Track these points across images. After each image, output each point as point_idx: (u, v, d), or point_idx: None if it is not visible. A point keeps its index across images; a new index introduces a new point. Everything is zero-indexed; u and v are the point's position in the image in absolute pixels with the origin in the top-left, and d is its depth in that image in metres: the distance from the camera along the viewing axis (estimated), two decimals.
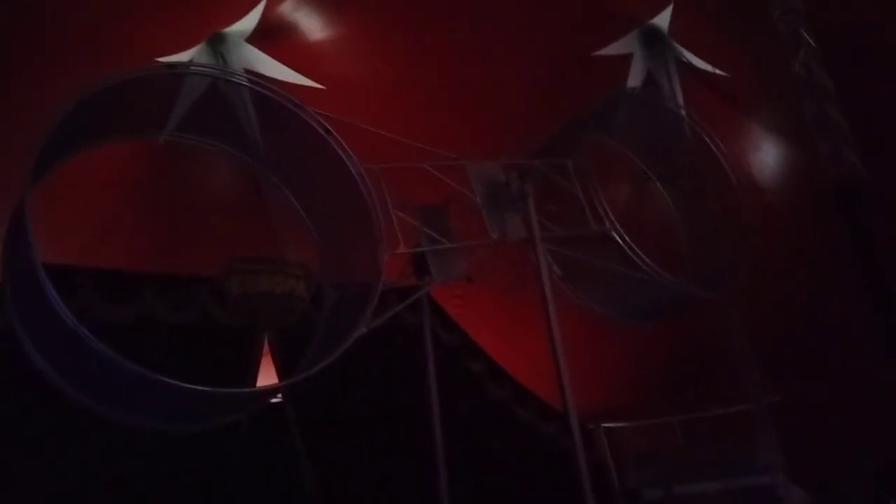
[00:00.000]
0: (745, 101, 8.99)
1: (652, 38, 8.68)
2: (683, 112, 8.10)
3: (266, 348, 8.36)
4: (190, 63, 5.89)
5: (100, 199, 7.00)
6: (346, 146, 5.85)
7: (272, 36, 6.82)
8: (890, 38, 7.98)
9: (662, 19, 8.44)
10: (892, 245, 8.06)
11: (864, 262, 8.77)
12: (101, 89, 5.09)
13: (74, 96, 4.95)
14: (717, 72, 8.70)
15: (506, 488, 9.80)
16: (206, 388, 4.98)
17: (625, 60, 8.58)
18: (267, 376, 8.29)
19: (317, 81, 6.63)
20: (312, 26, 7.09)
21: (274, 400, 8.66)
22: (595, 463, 10.16)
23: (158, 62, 5.51)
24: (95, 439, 6.73)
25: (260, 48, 6.66)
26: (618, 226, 7.07)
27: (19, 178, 4.75)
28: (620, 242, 7.08)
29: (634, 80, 8.15)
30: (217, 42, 6.29)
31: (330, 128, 5.85)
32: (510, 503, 9.69)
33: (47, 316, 4.76)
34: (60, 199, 6.00)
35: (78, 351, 4.79)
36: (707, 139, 7.81)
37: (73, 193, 6.57)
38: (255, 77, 5.92)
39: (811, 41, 7.26)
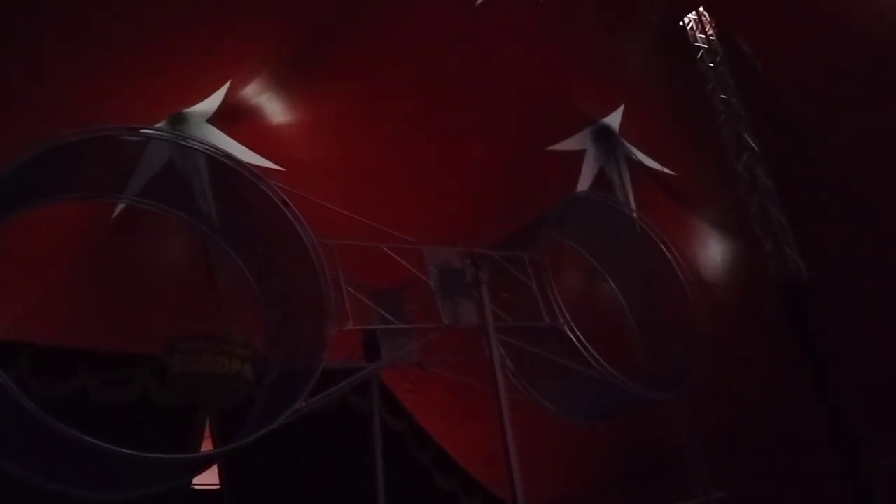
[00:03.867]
0: (691, 198, 9.31)
1: (603, 136, 9.04)
2: (635, 215, 8.32)
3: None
4: (150, 126, 5.89)
5: (45, 267, 6.82)
6: (301, 219, 5.85)
7: (234, 118, 6.89)
8: (832, 142, 8.39)
9: (614, 119, 8.81)
10: (833, 338, 8.32)
11: (806, 358, 8.99)
12: (61, 144, 5.04)
13: (31, 149, 4.88)
14: (665, 170, 9.03)
15: None
16: (143, 454, 4.88)
17: (578, 155, 8.88)
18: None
19: (277, 164, 6.67)
20: (274, 110, 7.19)
21: (213, 486, 8.34)
22: None
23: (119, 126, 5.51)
24: None
25: (221, 129, 6.70)
26: (571, 322, 7.10)
27: None
28: (573, 339, 7.10)
29: (587, 174, 8.42)
30: (178, 121, 6.32)
31: (287, 200, 5.87)
32: None
33: None
34: (2, 263, 5.83)
35: (13, 421, 4.59)
36: (657, 241, 8.02)
37: (17, 257, 6.40)
38: (214, 149, 5.95)
39: (754, 144, 7.63)
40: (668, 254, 7.86)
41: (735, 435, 10.02)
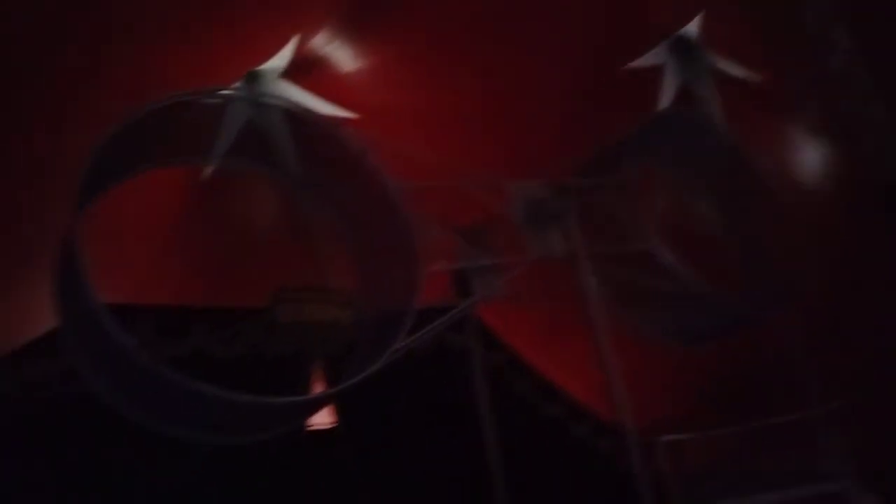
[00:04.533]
0: (782, 104, 8.82)
1: (683, 48, 8.60)
2: (722, 127, 7.98)
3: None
4: (231, 87, 6.13)
5: (153, 232, 7.24)
6: (381, 165, 5.95)
7: (306, 70, 6.98)
8: None
9: (692, 28, 8.35)
10: None
11: None
12: (148, 112, 5.30)
13: (120, 121, 5.13)
14: (752, 77, 8.56)
15: None
16: (260, 399, 5.24)
17: (658, 72, 8.51)
18: None
19: (352, 112, 6.75)
20: (345, 58, 7.23)
21: (327, 426, 8.81)
22: (654, 478, 9.97)
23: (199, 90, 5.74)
24: (159, 462, 7.00)
25: (295, 83, 6.83)
26: (662, 242, 6.96)
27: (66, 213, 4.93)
28: (667, 261, 6.97)
29: (668, 91, 8.08)
30: (253, 80, 6.50)
31: (366, 147, 5.97)
32: None
33: (106, 348, 4.98)
34: (108, 235, 6.23)
35: (137, 377, 5.02)
36: (748, 153, 7.67)
37: (127, 225, 6.81)
38: (289, 103, 6.11)
39: (845, 38, 7.11)
40: (760, 165, 7.53)
41: (844, 343, 9.70)
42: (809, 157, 8.98)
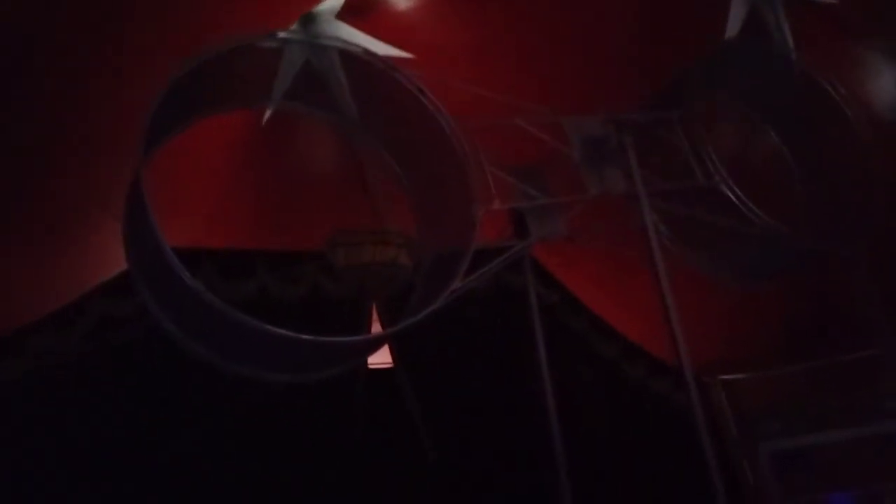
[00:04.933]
0: (857, 26, 8.36)
1: None
2: (794, 55, 7.62)
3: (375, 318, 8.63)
4: (287, 30, 6.16)
5: (214, 177, 7.38)
6: (438, 104, 5.92)
7: (361, 10, 6.91)
8: None
9: None
10: None
11: None
12: (207, 59, 5.38)
13: (181, 66, 5.21)
14: None
15: (619, 448, 9.74)
16: (321, 339, 5.41)
17: None
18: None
19: (408, 52, 6.68)
20: None
21: (386, 365, 8.99)
22: (712, 418, 9.96)
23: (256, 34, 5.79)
24: (219, 398, 7.32)
25: (350, 23, 6.77)
26: (728, 179, 6.77)
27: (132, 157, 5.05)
28: (731, 196, 6.78)
29: (736, 17, 7.68)
30: (308, 21, 6.47)
31: (422, 87, 5.94)
32: (624, 463, 9.64)
33: (172, 289, 5.17)
34: (173, 178, 6.39)
35: (203, 317, 5.20)
36: (822, 80, 7.32)
37: (189, 171, 6.94)
38: (345, 44, 6.10)
39: None
40: (834, 93, 7.20)
41: None
42: (888, 86, 8.54)
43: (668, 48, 7.57)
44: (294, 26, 6.34)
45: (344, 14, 6.64)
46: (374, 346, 7.48)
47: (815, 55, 7.41)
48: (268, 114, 6.61)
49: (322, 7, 6.47)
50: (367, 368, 8.57)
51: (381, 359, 8.89)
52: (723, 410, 11.34)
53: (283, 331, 5.18)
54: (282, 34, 6.04)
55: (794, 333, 10.41)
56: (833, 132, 7.18)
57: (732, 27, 7.62)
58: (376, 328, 8.48)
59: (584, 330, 9.99)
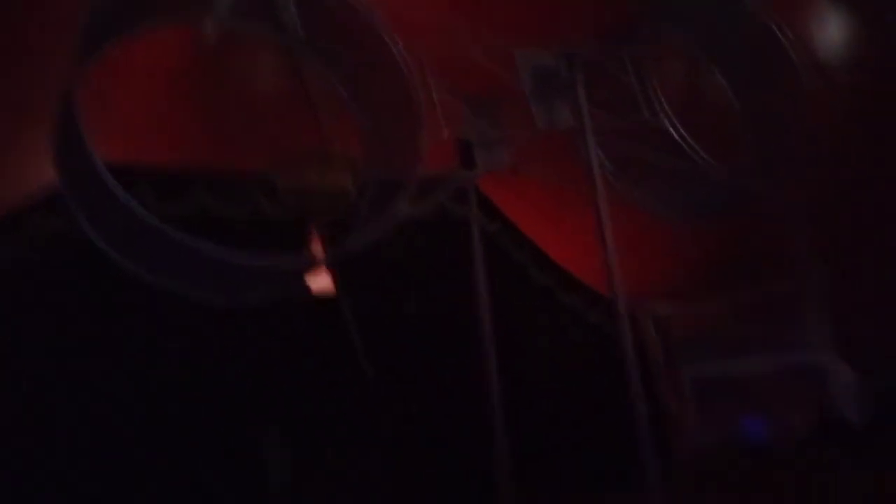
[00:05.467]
0: None
1: None
2: None
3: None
4: None
5: (150, 89, 7.05)
6: (387, 25, 5.77)
7: None
8: None
9: None
10: None
11: None
12: None
13: None
14: None
15: (552, 373, 10.09)
16: (258, 259, 5.42)
17: None
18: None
19: None
20: None
21: (327, 294, 9.00)
22: (641, 347, 10.35)
23: None
24: (155, 319, 7.28)
25: None
26: (673, 117, 6.84)
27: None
28: (675, 135, 6.87)
29: None
30: None
31: (375, 11, 5.77)
32: (556, 388, 10.00)
33: (105, 205, 5.05)
34: (107, 93, 6.09)
35: (138, 236, 5.14)
36: (771, 24, 7.36)
37: (123, 81, 6.64)
38: None
39: None
40: (781, 36, 7.27)
41: (843, 219, 9.81)
42: (836, 34, 8.66)
43: None
44: None
45: None
46: (313, 269, 7.47)
47: None
48: (209, 29, 6.32)
49: None
50: (310, 295, 8.55)
51: (323, 286, 8.88)
52: (651, 340, 11.82)
53: (217, 249, 5.13)
54: None
55: (723, 269, 10.80)
56: (777, 76, 7.29)
57: None
58: (318, 253, 8.41)
59: (523, 260, 10.16)
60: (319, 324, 8.67)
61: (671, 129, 6.82)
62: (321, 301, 8.78)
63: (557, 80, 6.47)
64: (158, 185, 7.38)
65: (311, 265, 7.35)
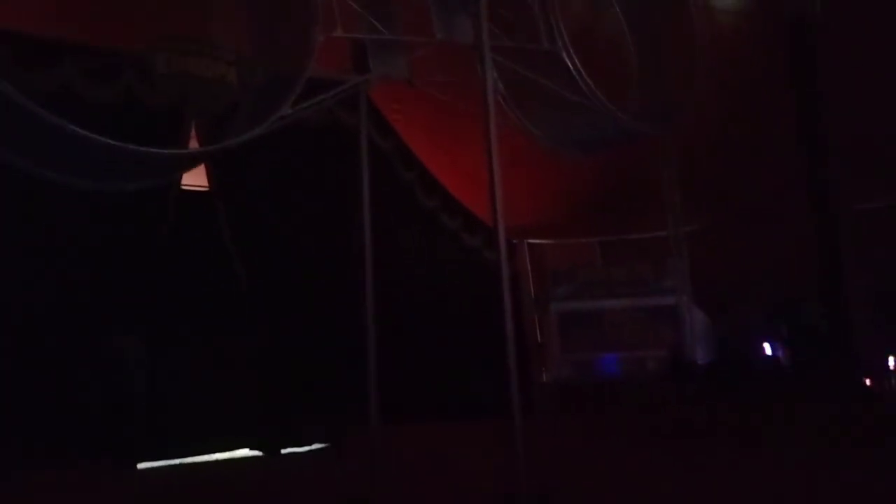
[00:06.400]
0: None
1: None
2: None
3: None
4: None
5: None
6: None
7: None
8: None
9: None
10: (833, 79, 8.15)
11: (802, 97, 8.91)
12: None
13: None
14: None
15: (428, 293, 10.19)
16: (129, 146, 4.97)
17: None
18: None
19: None
20: None
21: (202, 188, 8.61)
22: (515, 277, 10.61)
23: None
24: (18, 199, 6.68)
25: None
26: (570, 47, 6.83)
27: None
28: (570, 66, 6.87)
29: None
30: None
31: None
32: (432, 308, 10.12)
33: None
34: None
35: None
36: None
37: None
38: None
39: None
40: None
41: (713, 174, 10.31)
42: None
43: None
44: None
45: None
46: (188, 161, 7.09)
47: None
48: None
49: None
50: (181, 188, 8.15)
51: (196, 180, 8.49)
52: (525, 270, 12.16)
53: (82, 131, 4.74)
54: None
55: (600, 207, 11.17)
56: (671, 16, 7.45)
57: None
58: (194, 145, 8.00)
59: (410, 179, 10.10)
60: (191, 222, 8.28)
61: (566, 59, 6.80)
62: (193, 197, 8.40)
63: None
64: (20, 53, 6.72)
65: (187, 160, 6.96)
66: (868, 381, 9.34)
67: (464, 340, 9.98)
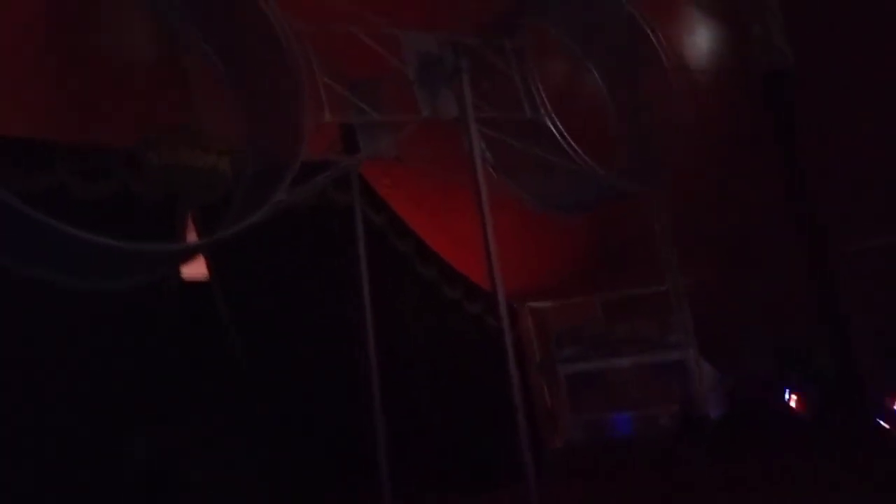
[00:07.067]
0: None
1: None
2: None
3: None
4: None
5: (11, 54, 6.48)
6: (274, 5, 5.57)
7: None
8: None
9: None
10: (813, 131, 8.35)
11: (783, 148, 9.08)
12: None
13: None
14: None
15: (432, 364, 10.10)
16: (125, 244, 4.98)
17: None
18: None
19: None
20: None
21: (201, 277, 8.61)
22: (519, 341, 10.55)
23: None
24: (11, 302, 6.63)
25: None
26: (552, 113, 7.01)
27: None
28: (554, 131, 7.04)
29: None
30: None
31: None
32: (436, 379, 10.01)
33: None
34: None
35: None
36: (644, 25, 7.70)
37: None
38: None
39: None
40: (653, 39, 7.62)
41: (705, 225, 10.38)
42: (701, 38, 9.15)
43: None
44: None
45: None
46: (187, 255, 7.12)
47: (640, 1, 7.77)
48: None
49: None
50: (181, 279, 8.15)
51: (196, 270, 8.50)
52: (528, 334, 12.08)
53: (78, 231, 4.75)
54: None
55: (597, 266, 11.19)
56: (648, 76, 7.65)
57: None
58: (190, 237, 8.03)
59: (406, 252, 10.13)
60: (190, 311, 8.25)
61: (550, 125, 6.97)
62: (195, 286, 8.40)
63: (443, 67, 6.48)
64: (16, 157, 6.81)
65: (186, 253, 6.99)
66: (884, 424, 9.20)
67: (472, 409, 9.84)
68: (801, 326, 10.12)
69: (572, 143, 7.11)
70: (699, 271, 10.95)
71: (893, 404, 9.19)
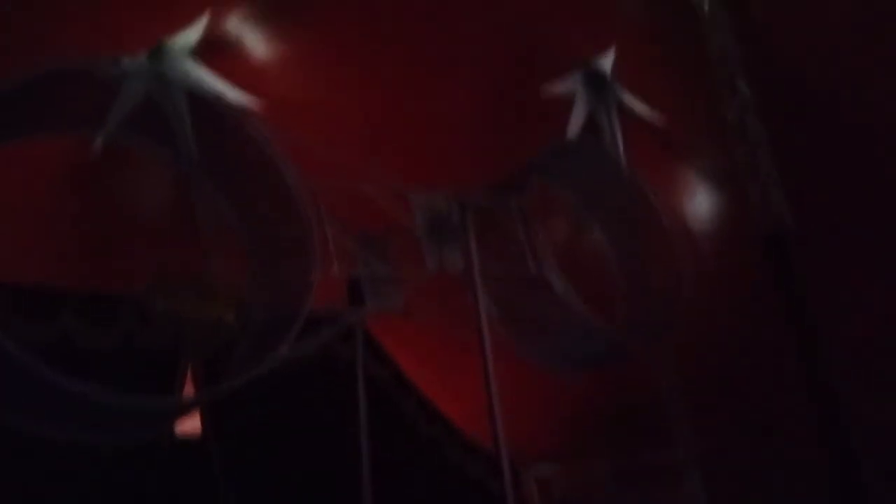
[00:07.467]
0: (681, 146, 9.21)
1: (594, 80, 8.78)
2: (624, 163, 8.23)
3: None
4: (132, 58, 5.77)
5: (26, 207, 6.62)
6: (285, 158, 5.77)
7: (215, 51, 6.69)
8: (822, 88, 8.32)
9: (605, 61, 8.56)
10: (818, 292, 8.34)
11: (789, 312, 9.02)
12: (35, 79, 4.90)
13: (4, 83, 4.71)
14: (656, 117, 8.87)
15: None
16: (122, 398, 4.94)
17: (567, 100, 8.66)
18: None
19: (257, 100, 6.50)
20: (256, 43, 6.98)
21: (195, 434, 8.31)
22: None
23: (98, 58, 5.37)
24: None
25: (202, 63, 6.52)
26: (556, 270, 7.09)
27: None
28: (558, 287, 7.08)
29: (576, 120, 8.24)
30: (158, 53, 6.14)
31: (270, 139, 5.77)
32: None
33: None
34: None
35: None
36: (645, 190, 7.94)
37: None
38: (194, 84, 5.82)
39: (746, 89, 7.52)
40: (655, 204, 7.82)
41: (714, 388, 10.15)
42: (701, 201, 9.38)
43: (517, 140, 7.90)
44: (142, 57, 5.99)
45: (198, 52, 6.39)
46: (187, 410, 6.94)
47: (642, 165, 8.05)
48: (98, 144, 6.12)
49: (176, 41, 6.17)
50: (175, 437, 7.86)
51: (191, 427, 8.23)
52: (533, 499, 11.51)
53: (70, 383, 4.62)
54: (124, 63, 5.67)
55: (605, 428, 10.85)
56: (649, 237, 7.80)
57: (573, 129, 8.16)
58: (190, 389, 7.85)
59: (409, 409, 9.89)
60: (184, 470, 7.90)
61: (554, 282, 7.03)
62: (187, 445, 8.10)
63: (449, 224, 6.61)
64: (23, 305, 6.81)
65: (185, 407, 6.80)
66: None
67: None
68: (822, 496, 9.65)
69: (576, 299, 7.13)
70: (712, 439, 10.59)
71: None
